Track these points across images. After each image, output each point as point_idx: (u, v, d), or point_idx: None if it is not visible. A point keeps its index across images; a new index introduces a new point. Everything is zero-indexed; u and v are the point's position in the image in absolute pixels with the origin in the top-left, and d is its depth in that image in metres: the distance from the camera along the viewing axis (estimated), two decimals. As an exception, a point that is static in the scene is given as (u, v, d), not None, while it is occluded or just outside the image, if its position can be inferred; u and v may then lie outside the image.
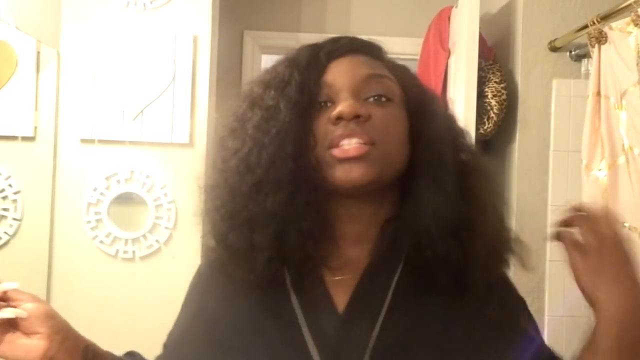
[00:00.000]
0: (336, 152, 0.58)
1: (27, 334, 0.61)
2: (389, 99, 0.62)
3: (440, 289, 0.60)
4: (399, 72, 0.67)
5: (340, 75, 0.62)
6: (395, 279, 0.61)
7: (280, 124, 0.59)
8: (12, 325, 0.60)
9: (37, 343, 0.61)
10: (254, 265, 0.59)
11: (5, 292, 0.61)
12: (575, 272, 0.63)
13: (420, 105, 0.65)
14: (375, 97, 0.61)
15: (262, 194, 0.58)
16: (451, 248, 0.59)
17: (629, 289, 0.59)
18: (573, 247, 0.64)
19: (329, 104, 0.61)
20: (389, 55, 0.69)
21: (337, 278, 0.62)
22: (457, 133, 0.67)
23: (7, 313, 0.59)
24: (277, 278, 0.61)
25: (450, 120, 0.68)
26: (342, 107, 0.58)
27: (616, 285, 0.59)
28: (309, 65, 0.62)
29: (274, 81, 0.63)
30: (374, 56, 0.66)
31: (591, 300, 0.62)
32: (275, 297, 0.61)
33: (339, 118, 0.58)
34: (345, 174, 0.58)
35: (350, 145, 0.57)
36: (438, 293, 0.60)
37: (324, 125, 0.60)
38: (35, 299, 0.62)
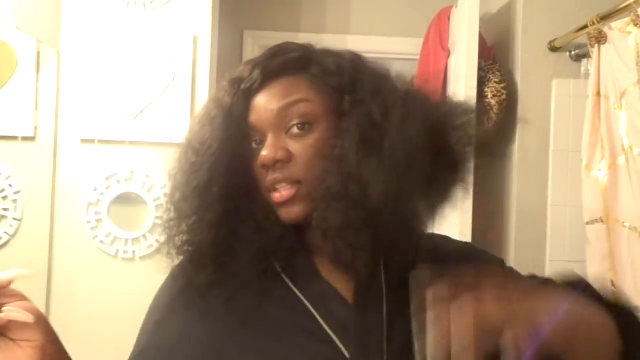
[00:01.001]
0: (274, 196, 0.62)
1: (15, 340, 0.54)
2: (309, 123, 0.62)
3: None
4: (331, 71, 0.65)
5: (259, 115, 0.63)
6: (382, 268, 0.64)
7: (216, 171, 0.63)
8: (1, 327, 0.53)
9: (27, 352, 0.54)
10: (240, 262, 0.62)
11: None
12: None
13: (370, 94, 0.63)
14: (297, 126, 0.62)
15: (199, 231, 0.63)
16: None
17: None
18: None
19: (260, 144, 0.63)
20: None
21: (329, 274, 0.64)
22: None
23: (16, 314, 0.53)
24: (269, 271, 0.63)
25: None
26: (262, 156, 0.61)
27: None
28: (233, 109, 0.64)
29: (205, 126, 0.65)
30: (295, 72, 0.65)
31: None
32: (276, 289, 0.63)
33: (264, 166, 0.61)
34: (286, 216, 0.62)
35: (280, 189, 0.61)
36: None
37: (259, 169, 0.63)
38: (27, 300, 0.56)
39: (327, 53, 0.70)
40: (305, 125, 0.62)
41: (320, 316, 0.62)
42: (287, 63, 0.66)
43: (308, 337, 0.62)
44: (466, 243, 0.78)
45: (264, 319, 0.62)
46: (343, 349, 0.60)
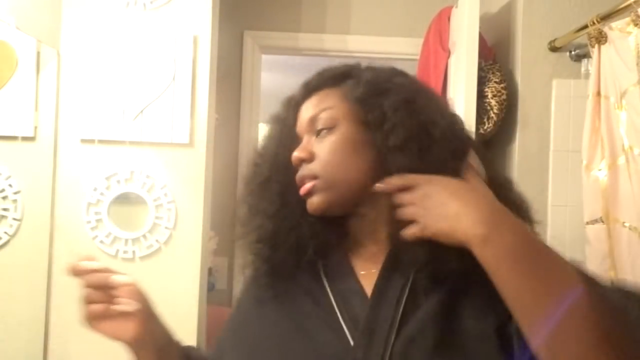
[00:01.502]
0: (301, 190, 0.73)
1: (121, 313, 0.73)
2: (330, 127, 0.73)
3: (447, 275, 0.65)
4: (360, 84, 0.74)
5: (300, 123, 0.77)
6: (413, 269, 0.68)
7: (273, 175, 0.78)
8: (109, 302, 0.73)
9: (130, 325, 0.74)
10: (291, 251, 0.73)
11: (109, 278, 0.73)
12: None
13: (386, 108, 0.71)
14: (322, 130, 0.73)
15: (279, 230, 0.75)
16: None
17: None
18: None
19: None
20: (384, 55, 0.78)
21: (362, 272, 0.72)
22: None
23: (127, 306, 0.73)
24: (313, 269, 0.73)
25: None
26: (292, 156, 0.74)
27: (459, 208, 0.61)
28: (286, 120, 0.79)
29: (268, 136, 0.82)
30: (331, 86, 0.76)
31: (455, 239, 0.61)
32: (313, 285, 0.73)
33: (295, 165, 0.74)
34: (309, 207, 0.72)
35: (304, 184, 0.72)
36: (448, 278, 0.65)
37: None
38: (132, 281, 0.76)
39: (367, 69, 0.78)
40: (328, 130, 0.73)
41: (339, 310, 0.69)
42: (326, 79, 0.78)
43: (322, 328, 0.69)
44: None
45: (294, 310, 0.72)
46: (350, 339, 0.66)
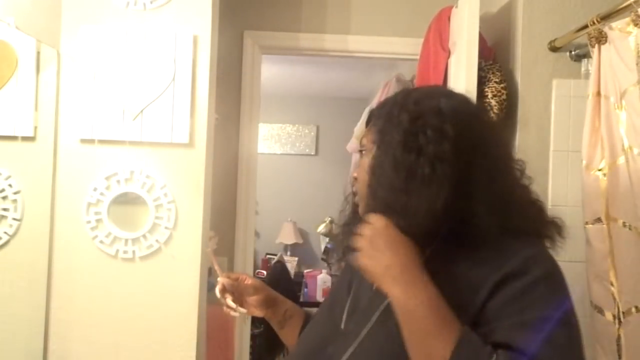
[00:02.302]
0: None
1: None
2: (362, 152, 0.97)
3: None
4: (380, 116, 0.94)
5: None
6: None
7: None
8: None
9: (254, 310, 1.15)
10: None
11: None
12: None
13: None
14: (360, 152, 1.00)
15: None
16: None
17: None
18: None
19: None
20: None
21: None
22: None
23: (240, 311, 1.08)
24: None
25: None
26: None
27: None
28: None
29: None
30: (374, 119, 0.96)
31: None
32: (355, 275, 0.99)
33: None
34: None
35: None
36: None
37: None
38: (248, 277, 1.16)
39: (390, 102, 0.94)
40: (362, 152, 0.98)
41: (350, 298, 0.99)
42: (371, 116, 0.99)
43: (333, 311, 1.01)
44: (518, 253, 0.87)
45: (338, 291, 1.06)
46: (343, 322, 0.97)
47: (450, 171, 0.83)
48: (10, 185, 1.59)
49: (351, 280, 1.02)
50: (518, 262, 0.83)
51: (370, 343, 0.88)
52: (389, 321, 0.83)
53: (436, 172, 0.83)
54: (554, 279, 0.85)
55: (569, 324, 0.79)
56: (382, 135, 0.89)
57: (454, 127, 0.85)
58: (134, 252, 1.63)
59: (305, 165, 5.40)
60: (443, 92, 0.97)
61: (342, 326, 0.96)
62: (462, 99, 0.94)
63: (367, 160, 0.92)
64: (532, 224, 0.91)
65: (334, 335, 0.96)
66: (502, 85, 1.82)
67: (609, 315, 1.45)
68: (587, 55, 1.75)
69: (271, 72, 4.24)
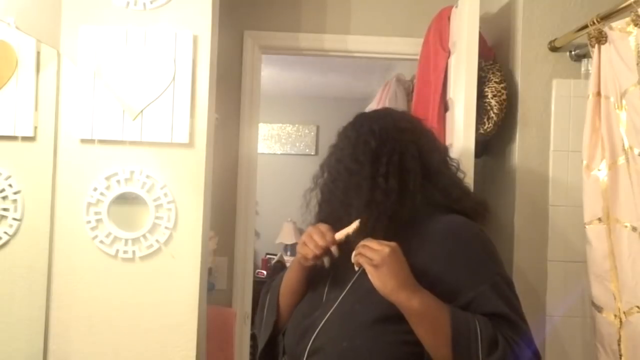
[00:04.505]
0: None
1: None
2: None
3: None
4: None
5: None
6: None
7: None
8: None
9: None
10: None
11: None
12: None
13: None
14: None
15: None
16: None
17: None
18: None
19: None
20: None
21: None
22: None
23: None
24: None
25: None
26: None
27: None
28: None
29: None
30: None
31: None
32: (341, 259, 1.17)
33: None
34: None
35: None
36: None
37: None
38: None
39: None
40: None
41: (330, 275, 1.22)
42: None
43: (317, 287, 1.24)
44: (454, 226, 1.17)
45: (320, 271, 1.22)
46: (325, 294, 1.22)
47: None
48: (10, 185, 1.59)
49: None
50: (458, 236, 1.13)
51: (342, 307, 1.14)
52: (359, 289, 1.14)
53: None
54: (490, 245, 1.16)
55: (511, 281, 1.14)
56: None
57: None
58: (134, 252, 1.63)
59: (305, 165, 5.36)
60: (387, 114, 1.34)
61: (324, 297, 1.21)
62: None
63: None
64: (468, 205, 1.22)
65: (318, 304, 1.20)
66: (502, 85, 1.81)
67: (609, 315, 1.45)
68: (587, 55, 1.75)
69: (271, 72, 4.25)
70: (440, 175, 1.22)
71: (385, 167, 1.16)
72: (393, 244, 1.06)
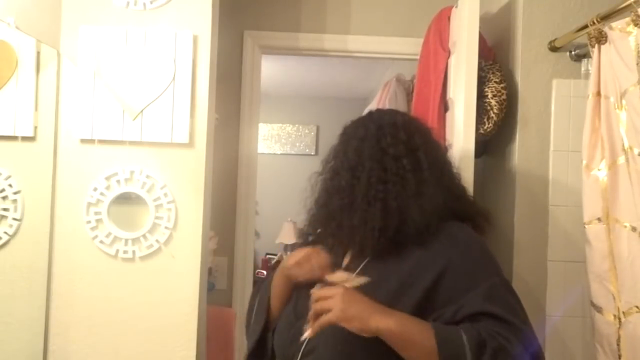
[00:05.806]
0: None
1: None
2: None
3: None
4: None
5: None
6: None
7: None
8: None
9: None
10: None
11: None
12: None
13: None
14: None
15: None
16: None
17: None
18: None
19: None
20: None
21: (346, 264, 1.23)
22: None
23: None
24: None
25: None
26: None
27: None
28: None
29: None
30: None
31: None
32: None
33: None
34: None
35: None
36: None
37: None
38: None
39: None
40: None
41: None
42: None
43: (308, 292, 1.14)
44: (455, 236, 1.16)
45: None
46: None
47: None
48: (10, 185, 1.59)
49: None
50: (457, 244, 1.12)
51: None
52: None
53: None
54: (488, 252, 1.15)
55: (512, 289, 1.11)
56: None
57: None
58: (134, 252, 1.63)
59: (305, 165, 5.37)
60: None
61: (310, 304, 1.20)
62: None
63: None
64: (469, 212, 1.23)
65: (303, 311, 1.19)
66: (502, 85, 1.81)
67: (609, 315, 1.45)
68: (587, 55, 1.75)
69: (271, 72, 4.25)
70: (449, 183, 1.24)
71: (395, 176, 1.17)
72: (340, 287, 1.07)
